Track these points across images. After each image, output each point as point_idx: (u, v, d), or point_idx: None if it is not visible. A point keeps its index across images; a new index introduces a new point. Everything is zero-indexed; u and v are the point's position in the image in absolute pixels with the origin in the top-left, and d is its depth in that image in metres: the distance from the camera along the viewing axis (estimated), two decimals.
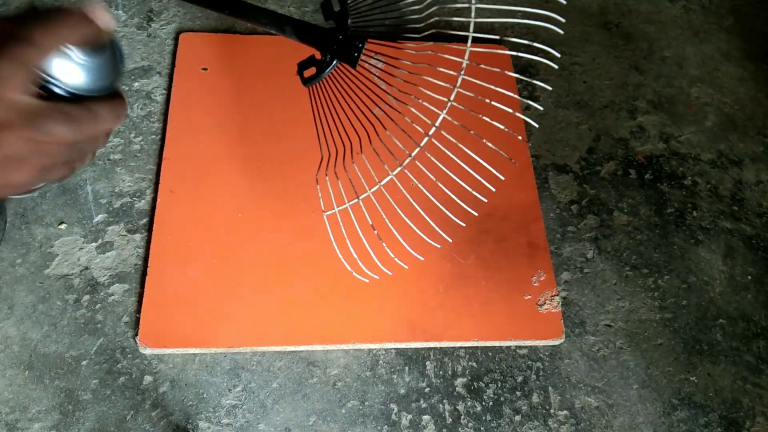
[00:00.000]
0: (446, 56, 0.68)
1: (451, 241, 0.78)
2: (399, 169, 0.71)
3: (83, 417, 0.80)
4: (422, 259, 0.78)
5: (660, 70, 1.21)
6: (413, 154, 0.70)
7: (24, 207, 0.94)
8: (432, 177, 0.72)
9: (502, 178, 0.71)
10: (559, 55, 0.68)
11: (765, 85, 1.21)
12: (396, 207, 0.73)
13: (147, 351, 0.84)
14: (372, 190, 0.72)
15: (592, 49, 1.22)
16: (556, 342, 0.89)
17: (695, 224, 1.03)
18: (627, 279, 0.96)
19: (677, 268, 0.98)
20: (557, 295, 0.92)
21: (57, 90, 0.36)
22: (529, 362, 0.88)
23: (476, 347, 0.89)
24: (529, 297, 0.92)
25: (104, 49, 0.38)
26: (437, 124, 0.69)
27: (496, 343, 0.89)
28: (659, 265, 0.98)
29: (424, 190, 0.72)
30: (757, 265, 0.99)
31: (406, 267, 0.78)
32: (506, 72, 0.69)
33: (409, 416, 0.83)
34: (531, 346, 0.90)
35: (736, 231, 1.03)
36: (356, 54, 0.66)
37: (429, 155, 0.70)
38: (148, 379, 0.83)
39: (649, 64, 1.21)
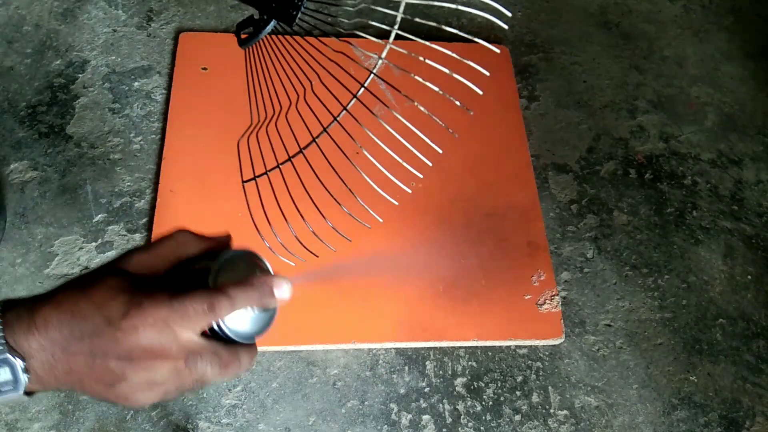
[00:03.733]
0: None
1: (381, 221, 0.71)
2: (310, 143, 0.65)
3: (83, 417, 0.80)
4: (342, 243, 0.69)
5: (660, 70, 1.21)
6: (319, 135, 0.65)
7: (24, 207, 0.94)
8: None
9: (430, 164, 0.65)
10: (509, 14, 0.62)
11: (765, 84, 1.21)
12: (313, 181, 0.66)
13: None
14: (300, 151, 0.66)
15: (592, 48, 1.22)
16: (556, 342, 0.89)
17: (695, 224, 1.03)
18: (627, 279, 0.96)
19: (677, 268, 0.98)
20: (557, 294, 0.92)
21: (214, 326, 0.40)
22: (529, 362, 0.88)
23: (476, 347, 0.89)
24: (529, 297, 0.92)
25: (270, 310, 0.43)
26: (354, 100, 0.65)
27: (496, 343, 0.89)
28: (659, 265, 0.98)
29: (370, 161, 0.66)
30: (757, 265, 0.99)
31: (333, 249, 0.72)
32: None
33: (409, 416, 0.83)
34: (531, 346, 0.89)
35: (736, 231, 1.03)
36: (294, 12, 0.60)
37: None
38: None
39: (649, 64, 1.21)
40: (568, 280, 0.95)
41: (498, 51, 0.60)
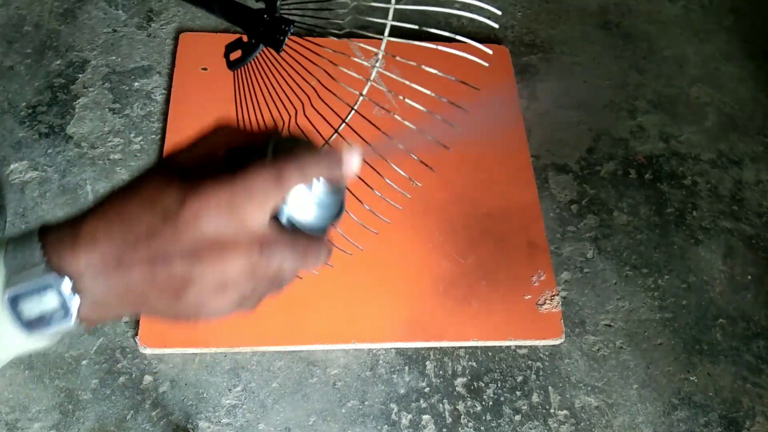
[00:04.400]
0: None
1: (377, 232, 0.72)
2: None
3: (83, 417, 0.80)
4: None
5: (660, 70, 1.21)
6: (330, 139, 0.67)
7: (24, 207, 0.94)
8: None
9: (433, 169, 0.66)
10: (497, 26, 0.63)
11: (765, 84, 1.21)
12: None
13: (147, 351, 0.84)
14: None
15: (592, 48, 1.22)
16: (556, 342, 0.89)
17: (695, 224, 1.03)
18: (627, 279, 0.96)
19: (677, 268, 0.98)
20: (557, 294, 0.92)
21: (282, 219, 0.35)
22: (529, 362, 0.88)
23: (476, 347, 0.89)
24: (529, 297, 0.92)
25: (338, 192, 0.37)
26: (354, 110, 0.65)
27: (496, 343, 0.89)
28: (659, 265, 0.98)
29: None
30: (757, 265, 0.99)
31: (331, 266, 0.73)
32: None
33: (409, 416, 0.83)
34: (531, 346, 0.89)
35: (736, 231, 1.03)
36: (282, 38, 0.61)
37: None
38: (148, 378, 0.83)
39: (649, 64, 1.21)
40: (568, 280, 0.95)
41: (490, 52, 0.60)
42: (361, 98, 0.66)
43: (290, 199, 0.34)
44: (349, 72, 0.64)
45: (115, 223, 0.31)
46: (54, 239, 0.31)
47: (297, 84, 0.65)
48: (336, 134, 0.68)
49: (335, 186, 0.36)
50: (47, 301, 0.30)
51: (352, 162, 0.35)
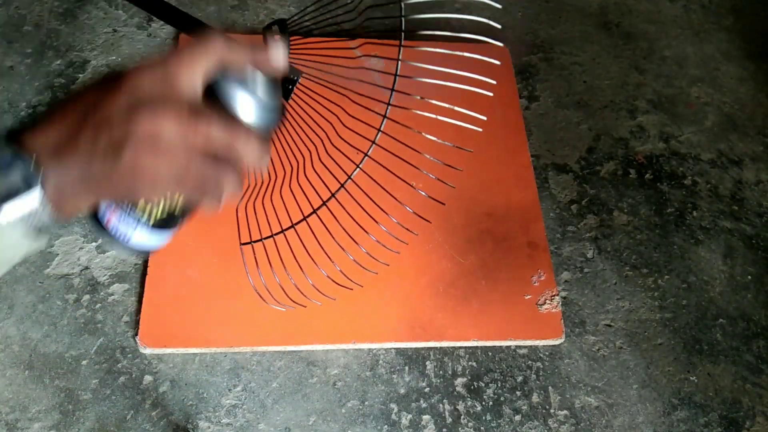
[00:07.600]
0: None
1: (376, 273, 0.79)
2: (322, 205, 0.70)
3: (83, 417, 0.80)
4: (334, 299, 0.80)
5: (660, 70, 1.21)
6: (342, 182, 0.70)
7: None
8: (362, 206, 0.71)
9: (453, 186, 0.71)
10: (499, 26, 0.65)
11: (765, 84, 1.21)
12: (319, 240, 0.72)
13: (147, 351, 0.84)
14: (291, 226, 0.71)
15: (592, 48, 1.22)
16: (556, 342, 0.89)
17: (695, 224, 1.03)
18: (627, 279, 0.96)
19: (677, 268, 0.98)
20: (557, 294, 0.92)
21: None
22: (529, 362, 0.88)
23: (476, 347, 0.89)
24: (529, 297, 0.92)
25: (275, 94, 0.41)
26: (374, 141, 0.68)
27: (496, 343, 0.89)
28: (659, 265, 0.98)
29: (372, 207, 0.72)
30: (757, 265, 0.99)
31: (319, 303, 0.81)
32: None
33: (409, 416, 0.83)
34: (531, 346, 0.89)
35: (736, 231, 1.03)
36: (290, 87, 0.64)
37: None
38: (148, 378, 0.83)
39: (649, 64, 1.21)
40: (568, 280, 0.95)
41: (501, 45, 0.62)
42: (373, 146, 0.69)
43: (233, 100, 0.39)
44: (361, 121, 0.67)
45: (70, 106, 0.36)
46: (16, 131, 0.35)
47: (315, 121, 0.67)
48: (333, 197, 0.70)
49: (272, 86, 0.41)
50: (12, 177, 0.34)
51: (278, 52, 0.40)
